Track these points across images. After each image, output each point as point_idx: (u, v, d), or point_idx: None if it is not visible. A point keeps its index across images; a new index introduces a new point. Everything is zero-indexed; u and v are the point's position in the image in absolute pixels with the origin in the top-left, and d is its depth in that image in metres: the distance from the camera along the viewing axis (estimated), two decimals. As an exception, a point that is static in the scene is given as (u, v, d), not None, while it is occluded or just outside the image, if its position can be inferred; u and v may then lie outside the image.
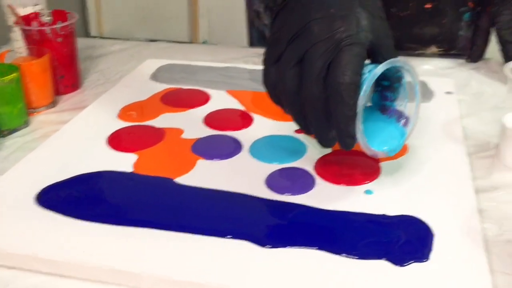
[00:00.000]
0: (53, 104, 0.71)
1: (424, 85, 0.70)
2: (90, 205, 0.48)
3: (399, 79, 0.47)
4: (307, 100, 0.43)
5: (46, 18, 0.75)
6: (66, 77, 0.74)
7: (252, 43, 0.95)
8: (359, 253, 0.41)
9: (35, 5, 0.78)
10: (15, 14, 0.71)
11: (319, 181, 0.51)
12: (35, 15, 0.74)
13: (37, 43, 0.71)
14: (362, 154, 0.54)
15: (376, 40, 0.44)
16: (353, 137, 0.44)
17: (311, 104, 0.43)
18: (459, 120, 0.61)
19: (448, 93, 0.68)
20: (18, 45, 0.80)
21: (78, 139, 0.60)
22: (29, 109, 0.68)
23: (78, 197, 0.49)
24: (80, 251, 0.42)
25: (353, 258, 0.41)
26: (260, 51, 0.86)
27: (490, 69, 0.77)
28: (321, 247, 0.42)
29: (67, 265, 0.41)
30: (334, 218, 0.45)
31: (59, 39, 0.71)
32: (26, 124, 0.66)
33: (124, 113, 0.65)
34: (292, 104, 0.45)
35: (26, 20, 0.73)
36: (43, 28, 0.70)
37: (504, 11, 0.73)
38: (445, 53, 0.82)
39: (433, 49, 0.81)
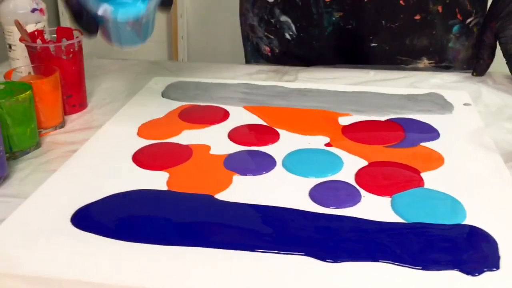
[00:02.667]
0: (62, 124, 0.68)
1: (441, 97, 0.71)
2: (131, 225, 0.45)
3: None
4: None
5: (50, 36, 0.72)
6: (74, 96, 0.71)
7: (247, 57, 0.94)
8: (426, 264, 0.40)
9: (37, 22, 0.75)
10: (23, 30, 0.68)
11: (364, 193, 0.50)
12: (39, 33, 0.72)
13: (44, 61, 0.68)
14: (401, 165, 0.54)
15: None
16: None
17: None
18: (485, 130, 0.62)
19: (466, 104, 0.68)
20: (18, 64, 0.77)
21: (102, 158, 0.57)
22: (38, 130, 0.64)
23: (117, 218, 0.46)
24: (133, 271, 0.40)
25: (418, 269, 0.40)
26: (261, 67, 0.86)
27: (496, 82, 0.79)
28: (385, 260, 0.41)
29: (124, 288, 0.39)
30: (392, 230, 0.44)
31: (67, 57, 0.68)
32: (38, 145, 0.63)
33: (143, 131, 0.63)
34: None
35: (31, 37, 0.70)
36: (55, 44, 0.67)
37: (509, 26, 0.75)
38: (436, 65, 0.83)
39: (425, 61, 0.83)
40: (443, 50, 0.82)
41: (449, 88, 0.77)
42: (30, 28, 0.73)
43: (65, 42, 0.68)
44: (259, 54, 0.90)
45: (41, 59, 0.68)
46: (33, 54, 0.69)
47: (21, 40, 0.69)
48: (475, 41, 0.84)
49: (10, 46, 0.77)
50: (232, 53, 1.17)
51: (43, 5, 0.76)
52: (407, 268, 0.40)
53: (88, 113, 0.72)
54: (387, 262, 0.41)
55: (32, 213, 0.47)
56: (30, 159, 0.60)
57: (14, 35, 0.75)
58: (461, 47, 0.84)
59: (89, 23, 0.54)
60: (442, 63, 0.84)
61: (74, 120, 0.71)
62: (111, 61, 0.91)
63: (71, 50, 0.68)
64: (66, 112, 0.70)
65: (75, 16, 0.54)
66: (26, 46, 0.69)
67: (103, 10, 0.51)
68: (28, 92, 0.59)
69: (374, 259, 0.41)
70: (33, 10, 0.75)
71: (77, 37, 0.70)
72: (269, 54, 0.88)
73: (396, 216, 0.47)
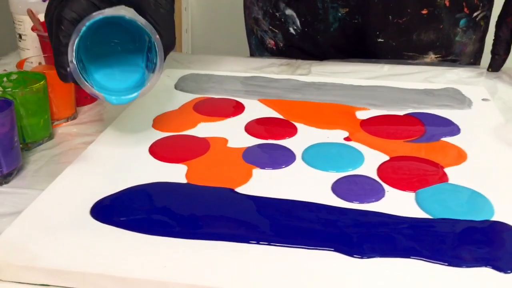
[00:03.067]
0: (74, 115, 0.67)
1: (459, 92, 0.70)
2: (153, 218, 0.44)
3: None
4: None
5: (62, 26, 0.71)
6: (86, 87, 0.70)
7: (252, 51, 0.93)
8: (457, 260, 0.39)
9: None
10: (36, 19, 0.67)
11: (387, 188, 0.49)
12: (51, 22, 0.70)
13: (56, 51, 0.67)
14: (423, 160, 0.53)
15: None
16: (64, 68, 0.47)
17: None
18: (506, 125, 0.61)
19: (485, 100, 0.68)
20: (27, 54, 0.75)
21: (118, 150, 0.56)
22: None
23: (138, 210, 0.45)
24: (159, 265, 0.39)
25: (449, 266, 0.39)
26: (273, 61, 0.85)
27: (512, 78, 0.78)
28: (415, 256, 0.40)
29: (150, 283, 0.38)
30: (420, 225, 0.43)
31: (80, 47, 0.67)
32: (50, 136, 0.61)
33: (159, 123, 0.62)
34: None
35: (43, 27, 0.69)
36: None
37: (526, 21, 0.74)
38: (442, 59, 0.82)
39: (431, 55, 0.82)
40: (450, 44, 0.81)
41: (464, 83, 0.76)
42: (42, 17, 0.72)
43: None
44: (264, 48, 0.89)
45: (53, 49, 0.67)
46: (45, 44, 0.68)
47: (33, 29, 0.67)
48: (481, 34, 0.84)
49: (20, 36, 0.75)
50: (236, 46, 1.16)
51: (54, -5, 0.75)
52: (438, 265, 0.39)
53: (99, 104, 0.71)
54: (417, 259, 0.40)
55: (49, 205, 0.46)
56: (43, 151, 0.59)
57: (24, 25, 0.74)
58: (468, 41, 0.83)
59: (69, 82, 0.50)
60: (449, 57, 0.83)
61: (86, 112, 0.69)
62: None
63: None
64: (77, 104, 0.69)
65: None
66: (38, 35, 0.68)
67: (96, 94, 0.50)
68: (42, 82, 0.58)
69: (404, 255, 0.40)
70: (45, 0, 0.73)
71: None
72: (274, 47, 0.87)
73: (421, 211, 0.46)
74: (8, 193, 0.51)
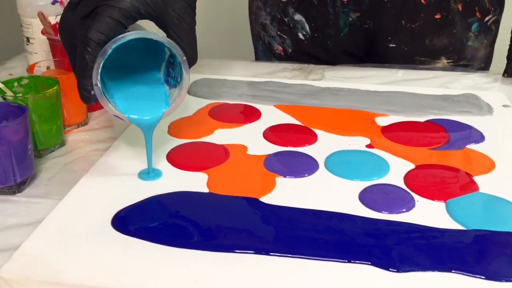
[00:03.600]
0: (86, 121, 0.65)
1: (478, 98, 0.69)
2: (178, 230, 0.42)
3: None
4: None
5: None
6: (96, 92, 0.68)
7: (258, 56, 0.92)
8: (495, 274, 0.38)
9: (58, 15, 0.72)
10: (47, 23, 0.65)
11: (417, 197, 0.47)
12: (61, 26, 0.68)
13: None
14: (451, 168, 0.51)
15: (155, 14, 0.46)
16: (88, 91, 0.46)
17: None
18: (531, 131, 0.60)
19: (506, 106, 0.66)
20: (35, 58, 0.74)
21: (134, 158, 0.54)
22: (62, 127, 0.61)
23: (162, 222, 0.43)
24: (191, 281, 0.37)
25: (488, 280, 0.38)
26: (285, 65, 0.84)
27: (528, 83, 0.77)
28: (455, 270, 0.38)
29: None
30: (455, 237, 0.42)
31: (92, 51, 0.65)
32: (62, 143, 0.60)
33: (174, 129, 0.60)
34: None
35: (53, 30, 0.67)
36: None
37: (543, 26, 0.74)
38: (454, 64, 0.81)
39: (444, 61, 0.81)
40: (462, 49, 0.80)
41: (481, 89, 0.75)
42: (53, 20, 0.70)
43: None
44: (271, 53, 0.88)
45: (64, 53, 0.65)
46: (55, 47, 0.66)
47: (43, 32, 0.66)
48: (492, 38, 0.83)
49: (28, 39, 0.73)
50: (240, 52, 1.15)
51: (63, -3, 0.73)
52: (477, 279, 0.38)
53: (109, 110, 0.69)
54: (456, 273, 0.38)
55: (68, 216, 0.45)
56: (56, 158, 0.57)
57: (33, 28, 0.72)
58: (480, 45, 0.82)
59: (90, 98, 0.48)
60: (461, 62, 0.82)
61: (97, 117, 0.67)
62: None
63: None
64: (88, 109, 0.67)
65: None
66: (49, 39, 0.66)
67: (120, 116, 0.48)
68: (55, 87, 0.56)
69: (441, 269, 0.38)
70: (54, 2, 0.72)
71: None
72: (282, 53, 0.86)
73: (454, 222, 0.44)
74: (22, 202, 0.49)
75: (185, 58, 0.47)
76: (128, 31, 0.46)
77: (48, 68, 0.65)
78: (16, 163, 0.49)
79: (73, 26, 0.46)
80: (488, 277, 0.38)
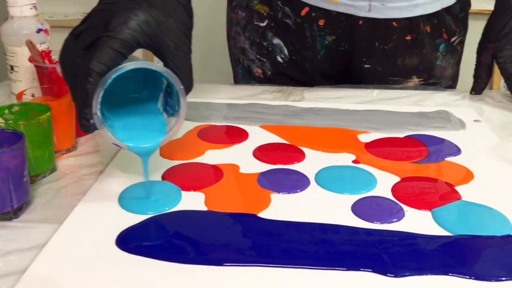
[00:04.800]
0: (75, 146, 0.66)
1: (450, 115, 0.73)
2: (183, 247, 0.44)
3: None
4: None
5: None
6: (84, 118, 0.69)
7: (237, 80, 0.95)
8: (487, 275, 0.41)
9: (42, 43, 0.73)
10: (35, 50, 0.66)
11: (405, 207, 0.50)
12: (47, 53, 0.69)
13: (54, 82, 0.66)
14: (434, 180, 0.55)
15: (153, 43, 0.48)
16: (87, 120, 0.47)
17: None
18: (503, 143, 0.64)
19: (476, 121, 0.71)
20: (20, 86, 0.74)
21: (130, 179, 0.55)
22: (53, 153, 0.62)
23: (165, 239, 0.45)
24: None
25: (481, 281, 0.40)
26: (266, 88, 0.86)
27: (495, 99, 0.82)
28: (451, 272, 0.41)
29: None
30: (445, 242, 0.45)
31: (79, 77, 0.66)
32: (54, 168, 0.60)
33: (166, 151, 0.61)
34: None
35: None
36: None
37: (506, 47, 0.79)
38: (425, 83, 0.86)
39: (415, 79, 0.86)
40: (432, 68, 0.85)
41: (451, 106, 0.79)
42: (40, 48, 0.71)
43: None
44: (251, 76, 0.90)
45: (51, 80, 0.66)
46: (42, 75, 0.67)
47: (30, 60, 0.66)
48: (458, 58, 0.88)
49: (12, 67, 0.74)
50: (215, 77, 1.18)
51: (47, 26, 0.74)
52: (468, 280, 0.41)
53: (97, 135, 0.70)
54: (453, 275, 0.41)
55: (71, 238, 0.45)
56: (49, 183, 0.58)
57: (17, 56, 0.72)
58: (447, 64, 0.87)
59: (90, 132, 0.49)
60: (430, 80, 0.87)
61: (84, 143, 0.68)
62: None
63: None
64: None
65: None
66: (36, 66, 0.66)
67: (119, 145, 0.49)
68: (48, 114, 0.57)
69: (438, 272, 0.41)
70: (38, 31, 0.73)
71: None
72: (261, 76, 0.89)
73: (440, 229, 0.47)
74: (20, 227, 0.50)
75: (182, 87, 0.48)
76: (125, 62, 0.48)
77: (33, 95, 0.66)
78: (13, 188, 0.50)
79: (75, 56, 0.47)
80: (478, 278, 0.41)
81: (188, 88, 0.50)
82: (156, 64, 0.48)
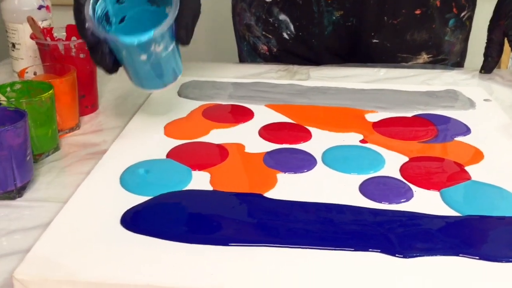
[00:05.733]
0: (78, 125, 0.65)
1: (460, 94, 0.71)
2: (188, 226, 0.43)
3: None
4: None
5: (60, 34, 0.69)
6: (87, 97, 0.68)
7: (242, 57, 0.93)
8: (497, 256, 0.40)
9: (44, 20, 0.72)
10: (37, 27, 0.64)
11: (414, 188, 0.49)
12: (48, 31, 0.68)
13: (57, 59, 0.65)
14: (443, 160, 0.54)
15: None
16: (82, 25, 0.51)
17: None
18: (512, 123, 0.63)
19: (487, 100, 0.69)
20: (21, 64, 0.73)
21: (134, 159, 0.54)
22: (54, 131, 0.61)
23: (172, 219, 0.44)
24: (208, 274, 0.38)
25: (493, 262, 0.40)
26: (271, 67, 0.85)
27: (504, 79, 0.81)
28: (461, 253, 0.40)
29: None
30: (455, 223, 0.44)
31: (82, 55, 0.65)
32: (57, 147, 0.59)
33: (170, 130, 0.60)
34: None
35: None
36: (76, 42, 0.64)
37: (517, 24, 0.77)
38: (434, 59, 0.85)
39: (424, 56, 0.84)
40: (441, 44, 0.84)
41: (460, 85, 0.78)
42: (42, 25, 0.69)
43: (76, 41, 0.65)
44: (256, 53, 0.89)
45: (53, 58, 0.65)
46: (44, 52, 0.65)
47: (32, 37, 0.65)
48: (466, 34, 0.87)
49: (13, 45, 0.73)
50: (220, 55, 1.16)
51: (49, 2, 0.73)
52: (478, 261, 0.40)
53: (100, 114, 0.70)
54: (463, 256, 0.40)
55: (75, 217, 0.45)
56: (52, 162, 0.57)
57: (19, 33, 0.71)
58: (456, 40, 0.85)
59: (103, 59, 0.52)
60: (439, 56, 0.85)
61: (87, 122, 0.67)
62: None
63: (86, 48, 0.65)
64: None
65: (91, 50, 0.53)
66: (38, 43, 0.65)
67: (110, 38, 0.51)
68: (50, 92, 0.56)
69: (447, 253, 0.40)
70: (40, 7, 0.71)
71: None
72: (267, 53, 0.88)
73: (449, 209, 0.46)
74: (24, 206, 0.49)
75: None
76: None
77: (35, 73, 0.65)
78: (16, 167, 0.49)
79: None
80: (488, 259, 0.40)
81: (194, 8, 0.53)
82: None
